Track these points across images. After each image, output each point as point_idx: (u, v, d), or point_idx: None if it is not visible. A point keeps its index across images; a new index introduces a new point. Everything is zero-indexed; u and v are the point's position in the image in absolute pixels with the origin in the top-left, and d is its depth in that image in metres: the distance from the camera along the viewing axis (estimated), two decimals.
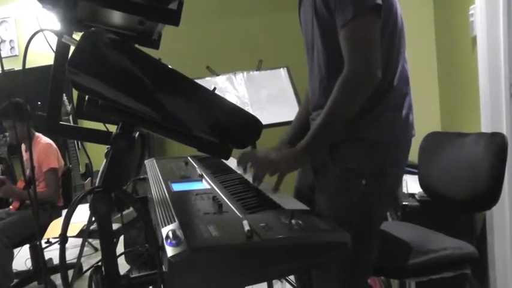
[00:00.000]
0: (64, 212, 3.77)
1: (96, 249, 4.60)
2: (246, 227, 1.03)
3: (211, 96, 1.11)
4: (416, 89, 3.40)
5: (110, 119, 1.39)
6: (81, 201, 1.22)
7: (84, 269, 3.55)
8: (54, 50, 1.21)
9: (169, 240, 0.99)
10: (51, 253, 4.29)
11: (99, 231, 1.19)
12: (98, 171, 2.07)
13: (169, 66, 1.08)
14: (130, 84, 1.02)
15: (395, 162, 1.70)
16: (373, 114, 1.64)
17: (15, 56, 5.76)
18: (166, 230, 1.04)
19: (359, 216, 1.63)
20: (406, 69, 1.74)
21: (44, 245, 4.23)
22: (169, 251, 0.95)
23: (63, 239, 1.21)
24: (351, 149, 1.67)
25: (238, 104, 1.46)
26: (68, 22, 1.18)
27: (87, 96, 1.38)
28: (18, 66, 5.17)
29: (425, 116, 3.54)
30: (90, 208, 1.16)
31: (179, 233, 1.01)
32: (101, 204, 1.15)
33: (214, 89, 1.11)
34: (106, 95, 1.05)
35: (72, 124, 1.30)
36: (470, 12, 2.91)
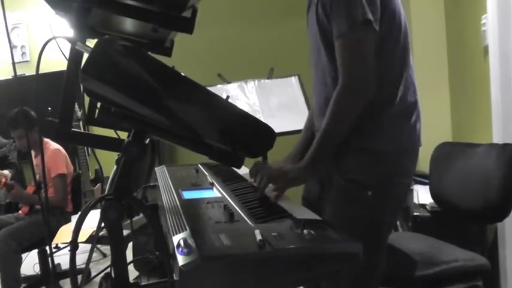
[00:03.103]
0: (73, 217, 3.79)
1: (104, 255, 4.60)
2: (258, 237, 1.02)
3: (224, 104, 1.11)
4: (427, 98, 3.42)
5: (122, 126, 1.39)
6: (91, 208, 1.22)
7: (93, 274, 3.55)
8: (67, 57, 1.21)
9: (180, 249, 0.98)
10: (60, 258, 4.29)
11: (110, 239, 1.18)
12: (108, 177, 2.08)
13: (183, 74, 1.08)
14: (143, 92, 1.02)
15: (402, 172, 1.69)
16: (377, 124, 1.64)
17: (27, 61, 5.81)
18: (177, 238, 1.03)
19: (366, 226, 1.62)
20: (413, 77, 1.73)
21: (53, 250, 4.23)
22: (181, 260, 0.95)
23: (73, 245, 1.21)
24: (356, 159, 1.66)
25: (249, 112, 1.46)
26: (81, 29, 1.18)
27: (98, 103, 1.39)
28: (29, 72, 5.20)
29: (437, 125, 3.52)
30: (101, 215, 1.16)
31: (190, 241, 1.01)
32: (111, 212, 1.15)
33: (228, 97, 1.10)
34: (119, 102, 1.05)
35: (83, 131, 1.30)
36: (482, 22, 2.90)
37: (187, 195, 1.52)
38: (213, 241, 1.02)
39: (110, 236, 1.18)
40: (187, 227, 1.12)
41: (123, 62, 1.00)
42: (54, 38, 1.20)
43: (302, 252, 1.02)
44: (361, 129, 1.61)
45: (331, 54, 1.66)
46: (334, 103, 1.58)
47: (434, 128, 3.41)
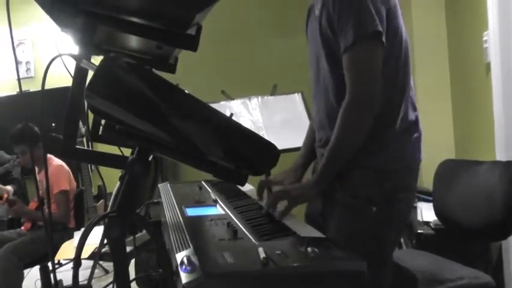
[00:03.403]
0: (76, 233, 3.78)
1: (106, 271, 4.58)
2: (262, 254, 1.02)
3: (228, 122, 1.11)
4: (430, 115, 3.43)
5: (126, 143, 1.40)
6: (94, 225, 1.21)
7: None
8: (72, 74, 1.21)
9: (184, 266, 0.98)
10: (61, 274, 4.26)
11: (113, 256, 1.18)
12: (111, 193, 2.08)
13: (187, 92, 1.08)
14: (148, 110, 1.02)
15: (406, 187, 1.69)
16: (381, 142, 1.64)
17: (31, 77, 5.84)
18: (180, 256, 1.03)
19: (371, 243, 1.62)
20: (412, 96, 1.73)
21: (56, 267, 4.21)
22: (184, 277, 0.95)
23: (76, 262, 1.21)
24: (360, 176, 1.66)
25: (252, 129, 1.46)
26: (86, 46, 1.19)
27: (103, 120, 1.39)
28: (33, 88, 5.22)
29: (440, 142, 3.52)
30: (104, 233, 1.16)
31: (194, 259, 1.00)
32: (115, 229, 1.15)
33: (231, 115, 1.11)
34: (124, 120, 1.05)
35: (87, 148, 1.30)
36: (484, 39, 2.91)
37: (191, 212, 1.52)
38: (217, 258, 1.02)
39: (113, 253, 1.17)
40: (190, 245, 1.11)
41: (128, 80, 1.01)
42: (59, 55, 1.21)
43: (306, 270, 1.01)
44: (366, 147, 1.60)
45: (332, 63, 1.66)
46: (342, 119, 1.58)
47: (437, 144, 3.41)
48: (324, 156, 1.63)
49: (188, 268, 0.97)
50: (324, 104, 1.75)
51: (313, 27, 1.78)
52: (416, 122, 1.72)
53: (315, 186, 1.63)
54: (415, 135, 1.69)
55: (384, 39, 1.55)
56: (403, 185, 1.68)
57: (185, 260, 0.99)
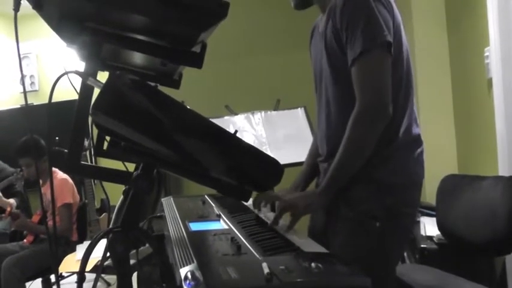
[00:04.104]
0: (78, 246, 3.78)
1: (108, 284, 4.57)
2: (266, 270, 1.02)
3: (232, 140, 1.12)
4: (432, 130, 3.44)
5: (131, 159, 1.41)
6: (98, 240, 1.22)
7: None
8: (78, 90, 1.22)
9: (188, 281, 0.98)
10: (63, 287, 4.26)
11: (117, 271, 1.19)
12: (114, 206, 2.08)
13: (192, 109, 1.10)
14: (154, 129, 1.03)
15: (409, 202, 1.69)
16: (385, 155, 1.64)
17: (35, 91, 5.88)
18: (184, 271, 1.04)
19: (374, 258, 1.61)
20: (414, 110, 1.74)
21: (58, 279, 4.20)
22: None
23: (80, 277, 1.22)
24: (364, 191, 1.65)
25: (255, 144, 1.47)
26: (92, 63, 1.20)
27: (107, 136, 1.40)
28: (37, 101, 5.25)
29: (442, 157, 3.52)
30: (108, 248, 1.16)
31: (198, 274, 1.01)
32: (119, 245, 1.16)
33: (236, 132, 1.12)
34: (130, 137, 1.06)
35: (92, 164, 1.31)
36: (486, 54, 2.92)
37: (194, 227, 1.52)
38: (221, 274, 1.02)
39: (117, 268, 1.18)
40: (194, 260, 1.12)
41: (134, 99, 1.02)
42: (66, 73, 1.22)
43: (310, 285, 1.01)
44: (368, 161, 1.60)
45: (335, 76, 1.67)
46: (351, 129, 1.56)
47: (440, 160, 3.41)
48: (332, 167, 1.61)
49: (192, 283, 0.97)
50: (325, 118, 1.76)
51: (317, 44, 1.79)
52: (419, 137, 1.72)
53: (320, 197, 1.62)
54: (418, 150, 1.70)
55: (392, 50, 1.55)
56: (406, 200, 1.68)
57: (189, 275, 1.00)
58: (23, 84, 1.40)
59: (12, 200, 4.34)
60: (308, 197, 1.65)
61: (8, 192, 4.47)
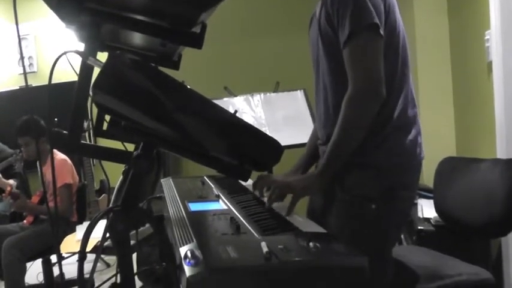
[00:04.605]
0: (78, 227, 3.80)
1: (108, 265, 4.60)
2: (265, 249, 1.04)
3: (232, 119, 1.13)
4: (431, 113, 3.44)
5: (130, 139, 1.41)
6: (99, 219, 1.23)
7: (96, 284, 3.55)
8: (77, 70, 1.22)
9: (187, 260, 1.00)
10: (63, 268, 4.27)
11: (117, 250, 1.20)
12: (114, 187, 2.09)
13: (191, 89, 1.10)
14: (154, 107, 1.04)
15: (406, 185, 1.70)
16: (380, 138, 1.64)
17: (34, 72, 5.85)
18: (184, 250, 1.05)
19: (371, 240, 1.62)
20: (412, 91, 1.74)
21: (56, 260, 4.23)
22: (188, 271, 0.96)
23: (81, 256, 1.23)
24: (359, 175, 1.67)
25: (255, 125, 1.48)
26: (92, 44, 1.20)
27: (106, 116, 1.41)
28: (36, 83, 5.22)
29: (441, 140, 3.53)
30: (109, 227, 1.17)
31: (198, 253, 1.02)
32: (119, 224, 1.17)
33: (235, 111, 1.12)
34: (130, 116, 1.07)
35: (92, 143, 1.31)
36: (486, 38, 2.92)
37: (194, 207, 1.53)
38: (220, 253, 1.04)
39: (117, 247, 1.19)
40: (194, 239, 1.13)
41: (134, 78, 1.02)
42: (65, 52, 1.22)
43: (308, 265, 1.03)
44: (363, 144, 1.61)
45: (330, 61, 1.69)
46: (345, 110, 1.57)
47: (438, 142, 3.42)
48: (328, 148, 1.62)
49: (192, 262, 0.99)
50: (323, 103, 1.77)
51: (313, 29, 1.80)
52: (415, 118, 1.72)
53: (318, 178, 1.62)
54: (414, 131, 1.70)
55: (381, 31, 1.56)
56: (403, 182, 1.68)
57: (189, 254, 1.01)
58: (23, 65, 1.40)
59: (11, 181, 4.35)
60: (306, 179, 1.66)
61: (8, 174, 4.48)
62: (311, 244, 1.09)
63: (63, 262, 4.28)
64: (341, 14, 1.58)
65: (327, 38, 1.68)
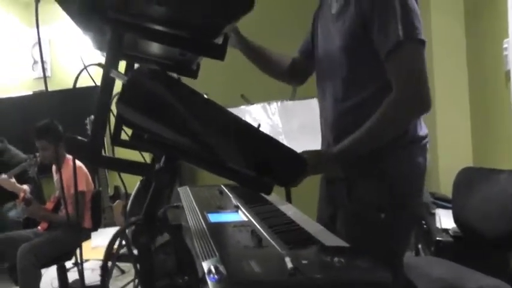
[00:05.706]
0: (93, 234, 3.81)
1: (123, 272, 4.61)
2: (289, 264, 1.03)
3: (256, 133, 1.12)
4: (448, 123, 3.41)
5: (148, 150, 1.41)
6: (123, 233, 1.23)
7: None
8: (99, 83, 1.21)
9: (211, 275, 0.99)
10: (77, 274, 4.30)
11: (140, 262, 1.20)
12: (129, 193, 2.09)
13: (216, 102, 1.09)
14: (178, 122, 1.03)
15: (415, 193, 1.69)
16: (390, 148, 1.62)
17: (48, 77, 5.89)
18: (208, 264, 1.04)
19: (380, 250, 1.61)
20: None
21: (71, 266, 4.23)
22: (212, 287, 0.96)
23: (104, 265, 1.23)
24: (368, 183, 1.66)
25: (271, 134, 1.46)
26: (114, 56, 1.19)
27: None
28: (50, 88, 5.25)
29: (458, 150, 3.50)
30: (132, 239, 1.17)
31: (221, 268, 1.01)
32: (142, 237, 1.17)
33: (259, 125, 1.12)
34: (153, 130, 1.06)
35: (112, 156, 1.31)
36: (504, 46, 2.89)
37: (213, 218, 1.52)
38: (244, 268, 1.03)
39: (140, 259, 1.19)
40: (216, 253, 1.12)
41: (158, 92, 1.02)
42: (86, 67, 1.22)
43: (333, 280, 1.02)
44: (374, 154, 1.60)
45: (349, 62, 1.65)
46: (385, 111, 1.54)
47: (455, 152, 3.39)
48: (355, 135, 1.59)
49: (216, 277, 0.98)
50: (332, 105, 1.74)
51: (326, 25, 1.77)
52: (425, 127, 1.71)
53: (333, 160, 1.62)
54: (424, 141, 1.69)
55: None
56: (411, 191, 1.68)
57: (213, 269, 1.00)
58: (43, 70, 1.40)
59: (25, 186, 4.37)
60: (320, 156, 1.65)
61: (22, 179, 4.49)
62: (335, 259, 1.08)
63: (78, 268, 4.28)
64: (384, 17, 1.52)
65: (351, 39, 1.63)
